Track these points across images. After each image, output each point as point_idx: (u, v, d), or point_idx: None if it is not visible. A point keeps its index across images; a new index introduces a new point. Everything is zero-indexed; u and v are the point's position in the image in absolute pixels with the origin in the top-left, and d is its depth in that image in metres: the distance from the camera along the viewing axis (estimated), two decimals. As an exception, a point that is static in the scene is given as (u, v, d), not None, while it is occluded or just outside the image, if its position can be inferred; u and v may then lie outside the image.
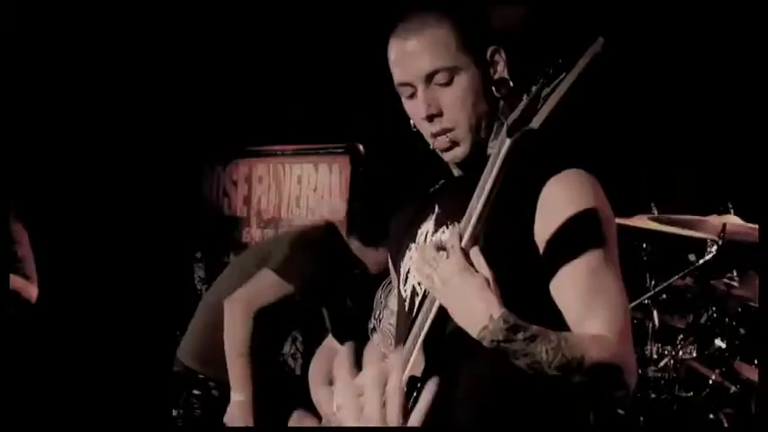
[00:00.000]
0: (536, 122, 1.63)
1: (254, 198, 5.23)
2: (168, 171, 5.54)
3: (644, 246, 3.55)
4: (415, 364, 1.78)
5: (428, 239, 2.00)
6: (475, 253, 1.72)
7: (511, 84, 1.93)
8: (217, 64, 5.23)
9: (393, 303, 2.19)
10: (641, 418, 3.29)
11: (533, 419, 1.85)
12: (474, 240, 1.72)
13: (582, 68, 1.59)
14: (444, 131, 1.91)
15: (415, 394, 1.76)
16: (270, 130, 5.05)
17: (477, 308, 1.69)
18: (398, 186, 2.25)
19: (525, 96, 1.66)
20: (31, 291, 4.14)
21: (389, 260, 2.21)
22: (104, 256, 5.45)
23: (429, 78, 1.90)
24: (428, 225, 2.03)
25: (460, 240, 1.72)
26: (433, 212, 2.03)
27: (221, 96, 5.31)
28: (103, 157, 5.45)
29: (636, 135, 3.95)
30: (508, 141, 1.65)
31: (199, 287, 5.57)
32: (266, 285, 3.25)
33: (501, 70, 1.93)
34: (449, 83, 1.89)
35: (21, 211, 4.23)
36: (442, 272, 1.71)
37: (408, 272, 2.04)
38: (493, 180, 1.67)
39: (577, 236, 1.82)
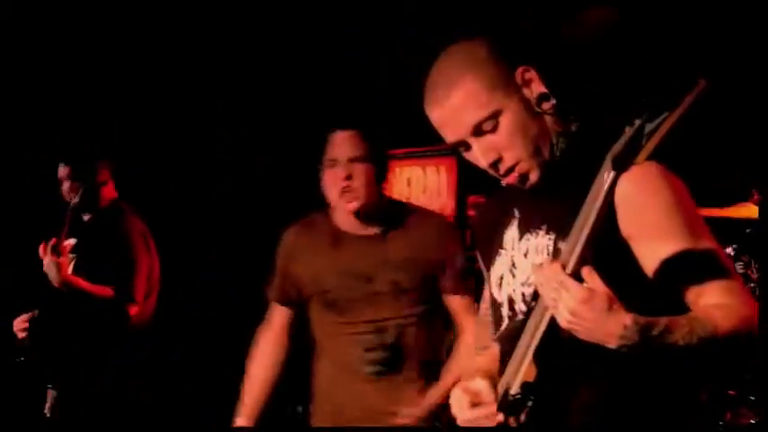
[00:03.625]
0: (641, 159, 1.67)
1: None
2: (283, 175, 5.70)
3: (747, 231, 3.56)
4: (529, 371, 1.87)
5: (515, 247, 2.07)
6: (588, 272, 1.76)
7: (551, 96, 1.96)
8: (330, 70, 5.37)
9: (487, 295, 2.23)
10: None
11: (653, 421, 1.91)
12: (580, 263, 1.77)
13: (687, 107, 1.63)
14: (510, 170, 1.97)
15: (530, 403, 1.88)
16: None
17: (609, 326, 1.74)
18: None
19: (628, 128, 1.68)
20: (129, 309, 4.03)
21: (480, 259, 2.26)
22: (221, 258, 5.69)
23: (476, 132, 1.95)
24: (513, 231, 2.10)
25: (565, 269, 1.76)
26: (514, 217, 2.10)
27: (330, 106, 5.41)
28: (219, 167, 5.61)
29: (731, 122, 3.93)
30: (613, 174, 1.70)
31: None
32: None
33: (537, 86, 1.97)
34: (495, 127, 1.94)
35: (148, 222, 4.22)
36: (566, 305, 1.75)
37: (502, 277, 2.12)
38: (597, 212, 1.72)
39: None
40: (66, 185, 4.19)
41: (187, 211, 5.74)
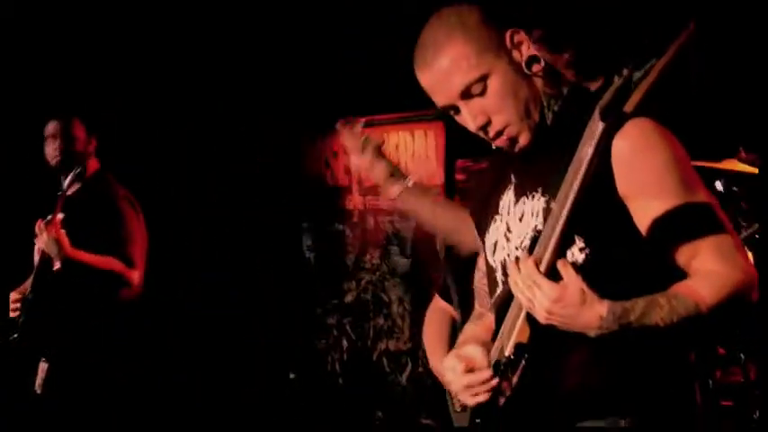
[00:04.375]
0: (629, 107, 1.67)
1: (354, 167, 5.29)
2: (273, 146, 5.70)
3: (734, 189, 3.52)
4: (521, 332, 1.88)
5: (511, 212, 2.06)
6: (562, 265, 1.78)
7: (541, 59, 1.94)
8: (314, 38, 5.38)
9: (482, 264, 2.24)
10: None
11: (643, 379, 1.91)
12: (563, 238, 1.78)
13: (675, 52, 1.62)
14: (500, 133, 1.96)
15: (523, 361, 1.88)
16: (366, 100, 5.13)
17: (585, 319, 1.78)
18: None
19: (616, 78, 1.67)
20: (131, 274, 3.96)
21: (473, 224, 2.26)
22: (217, 229, 5.68)
23: (465, 95, 1.94)
24: (509, 196, 2.08)
25: (544, 260, 1.78)
26: (510, 182, 2.09)
27: (318, 71, 5.41)
28: (209, 136, 5.61)
29: (720, 77, 3.90)
30: (601, 125, 1.67)
31: (307, 255, 5.75)
32: None
33: (526, 50, 1.95)
34: (484, 90, 1.93)
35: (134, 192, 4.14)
36: (541, 304, 1.79)
37: (496, 243, 2.11)
38: (586, 164, 1.70)
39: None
40: (54, 144, 4.08)
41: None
